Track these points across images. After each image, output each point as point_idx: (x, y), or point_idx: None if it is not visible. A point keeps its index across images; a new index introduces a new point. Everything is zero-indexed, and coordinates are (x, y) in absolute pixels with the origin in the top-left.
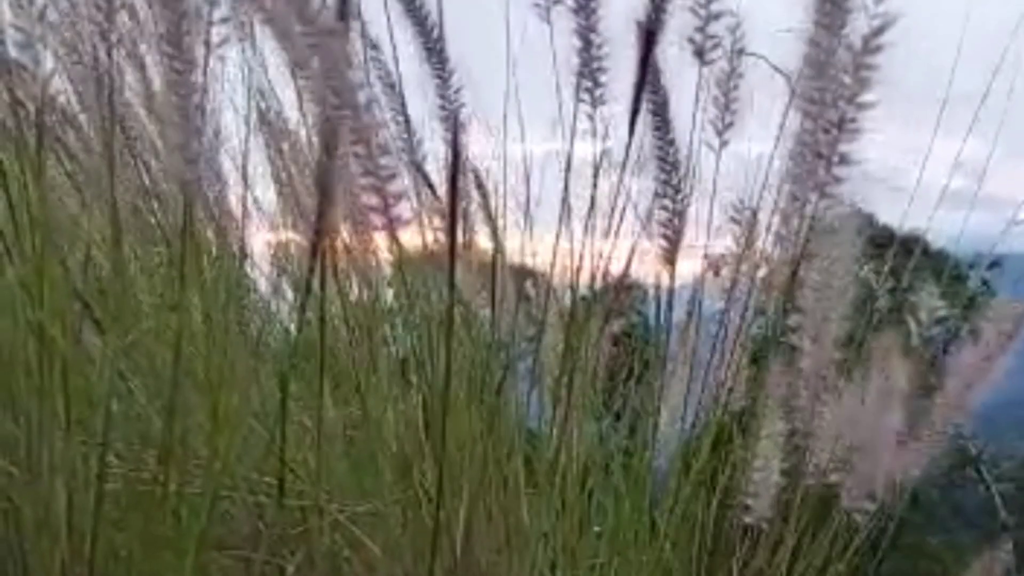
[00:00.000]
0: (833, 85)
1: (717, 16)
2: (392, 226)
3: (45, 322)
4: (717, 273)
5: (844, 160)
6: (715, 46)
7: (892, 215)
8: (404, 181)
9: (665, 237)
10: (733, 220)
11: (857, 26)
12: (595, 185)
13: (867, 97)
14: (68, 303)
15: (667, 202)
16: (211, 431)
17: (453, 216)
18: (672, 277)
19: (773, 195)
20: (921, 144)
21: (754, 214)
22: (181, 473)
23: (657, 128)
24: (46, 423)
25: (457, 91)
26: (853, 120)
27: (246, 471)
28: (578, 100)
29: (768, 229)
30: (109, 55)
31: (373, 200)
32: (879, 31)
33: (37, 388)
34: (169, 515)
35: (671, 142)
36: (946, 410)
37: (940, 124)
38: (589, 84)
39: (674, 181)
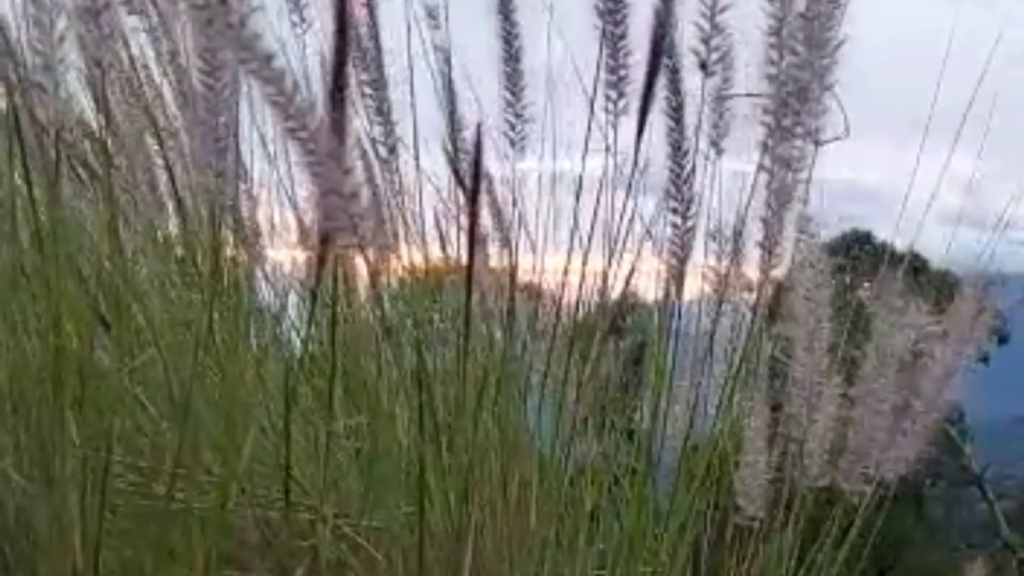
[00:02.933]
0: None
1: (720, 29)
2: (361, 245)
3: (61, 336)
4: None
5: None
6: (719, 59)
7: (889, 233)
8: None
9: (674, 254)
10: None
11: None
12: (598, 201)
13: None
14: (83, 317)
15: (677, 219)
16: (222, 444)
17: (473, 231)
18: (680, 294)
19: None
20: (920, 163)
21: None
22: (191, 486)
23: (673, 144)
24: (59, 435)
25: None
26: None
27: (255, 485)
28: (604, 111)
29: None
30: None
31: (339, 220)
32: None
33: (51, 401)
34: (179, 527)
35: (684, 156)
36: (929, 400)
37: (938, 143)
38: (613, 94)
39: (685, 197)
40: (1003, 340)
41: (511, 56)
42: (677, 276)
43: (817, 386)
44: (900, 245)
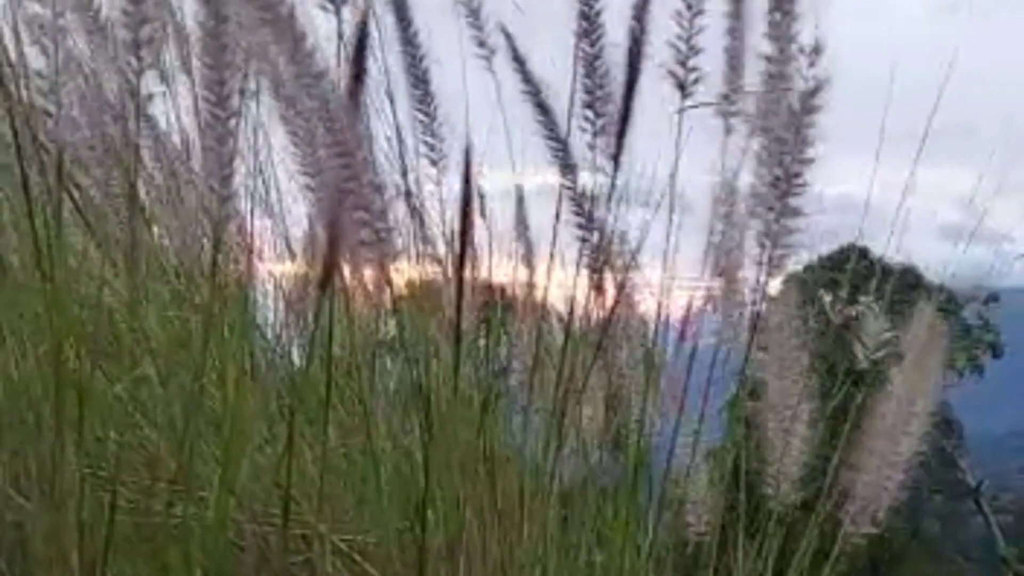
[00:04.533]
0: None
1: (697, 51)
2: (383, 260)
3: (61, 356)
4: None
5: (794, 213)
6: (696, 80)
7: (887, 249)
8: (395, 215)
9: (590, 267)
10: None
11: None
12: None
13: (810, 153)
14: (83, 339)
15: (584, 233)
16: (219, 462)
17: (463, 248)
18: (603, 305)
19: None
20: (917, 178)
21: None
22: (189, 503)
23: (564, 163)
24: (58, 452)
25: (441, 128)
26: (798, 175)
27: (253, 501)
28: (580, 130)
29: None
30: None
31: (364, 234)
32: (815, 91)
33: (51, 420)
34: (176, 543)
35: (573, 171)
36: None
37: (935, 158)
38: (590, 114)
39: (585, 211)
40: (998, 354)
41: (419, 79)
42: (596, 289)
43: (789, 410)
44: (895, 260)
